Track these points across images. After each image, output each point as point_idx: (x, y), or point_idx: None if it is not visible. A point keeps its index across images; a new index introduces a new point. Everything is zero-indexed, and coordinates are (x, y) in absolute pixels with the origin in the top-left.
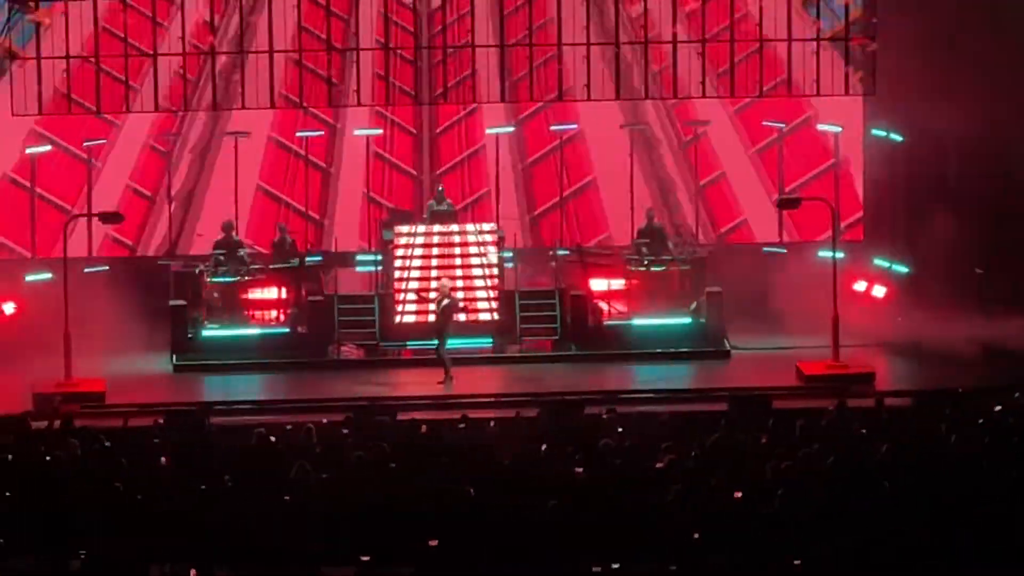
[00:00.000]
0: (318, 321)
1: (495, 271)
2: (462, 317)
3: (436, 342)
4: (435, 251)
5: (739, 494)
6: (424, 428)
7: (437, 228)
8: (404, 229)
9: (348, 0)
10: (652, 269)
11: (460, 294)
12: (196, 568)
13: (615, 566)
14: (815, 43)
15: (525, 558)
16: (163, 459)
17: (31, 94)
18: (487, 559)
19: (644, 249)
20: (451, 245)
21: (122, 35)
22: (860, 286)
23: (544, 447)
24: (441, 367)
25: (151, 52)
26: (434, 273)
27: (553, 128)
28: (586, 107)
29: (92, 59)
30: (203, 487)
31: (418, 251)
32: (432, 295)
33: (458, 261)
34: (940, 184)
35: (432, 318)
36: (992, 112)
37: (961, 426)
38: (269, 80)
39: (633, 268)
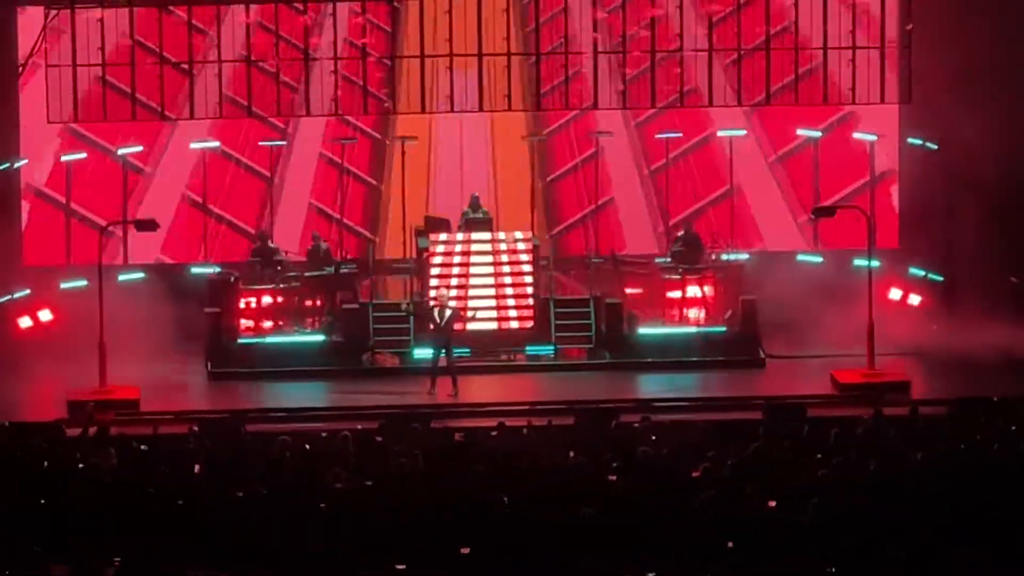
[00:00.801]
0: (353, 329)
1: (529, 279)
2: (487, 325)
3: (442, 352)
4: (470, 259)
5: (773, 503)
6: (458, 436)
7: (472, 236)
8: (439, 237)
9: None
10: (687, 277)
11: (493, 302)
12: (230, 575)
13: (650, 574)
14: (851, 51)
15: (558, 566)
16: (197, 466)
17: (66, 100)
18: (520, 566)
19: (680, 257)
20: (486, 253)
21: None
22: (895, 294)
23: (578, 455)
24: (448, 376)
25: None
26: (466, 281)
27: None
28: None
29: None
30: (238, 494)
31: (454, 259)
32: (431, 304)
33: (492, 269)
34: (975, 193)
35: (431, 327)
36: None
37: (996, 434)
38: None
39: (668, 276)
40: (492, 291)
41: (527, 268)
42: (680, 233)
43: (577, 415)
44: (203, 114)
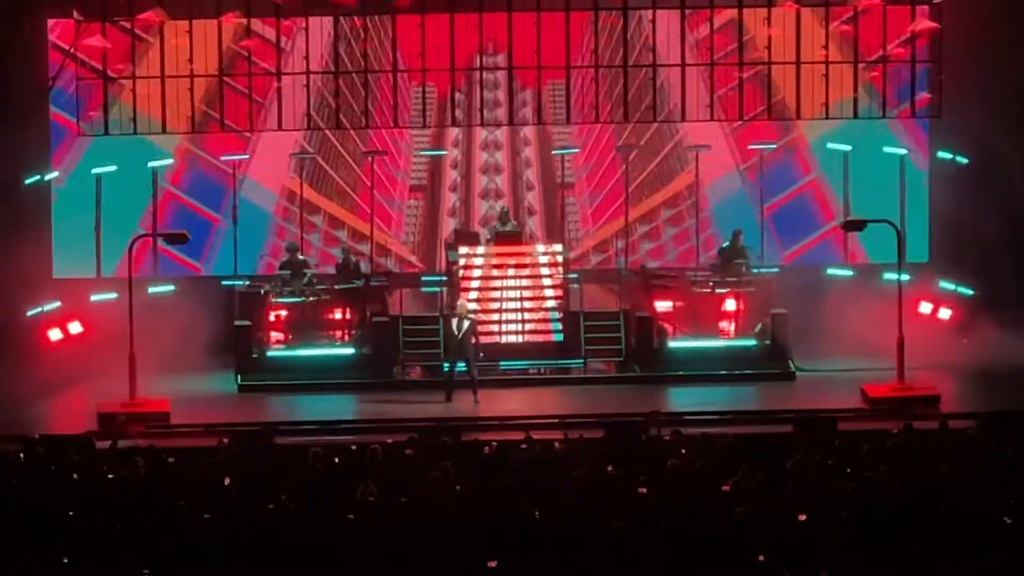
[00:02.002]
0: (383, 342)
1: (559, 292)
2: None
3: (459, 364)
4: (499, 272)
5: (803, 516)
6: (487, 449)
7: (501, 249)
8: (469, 250)
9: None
10: (716, 291)
11: (521, 315)
12: None
13: None
14: (881, 65)
15: None
16: (227, 479)
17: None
18: None
19: (715, 270)
20: (515, 266)
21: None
22: (925, 308)
23: (608, 468)
24: (471, 388)
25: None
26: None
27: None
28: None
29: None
30: (268, 507)
31: (483, 272)
32: (454, 321)
33: (522, 282)
34: (1005, 206)
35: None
36: None
37: None
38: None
39: (698, 290)
40: (521, 304)
41: (556, 281)
42: (724, 244)
43: (607, 428)
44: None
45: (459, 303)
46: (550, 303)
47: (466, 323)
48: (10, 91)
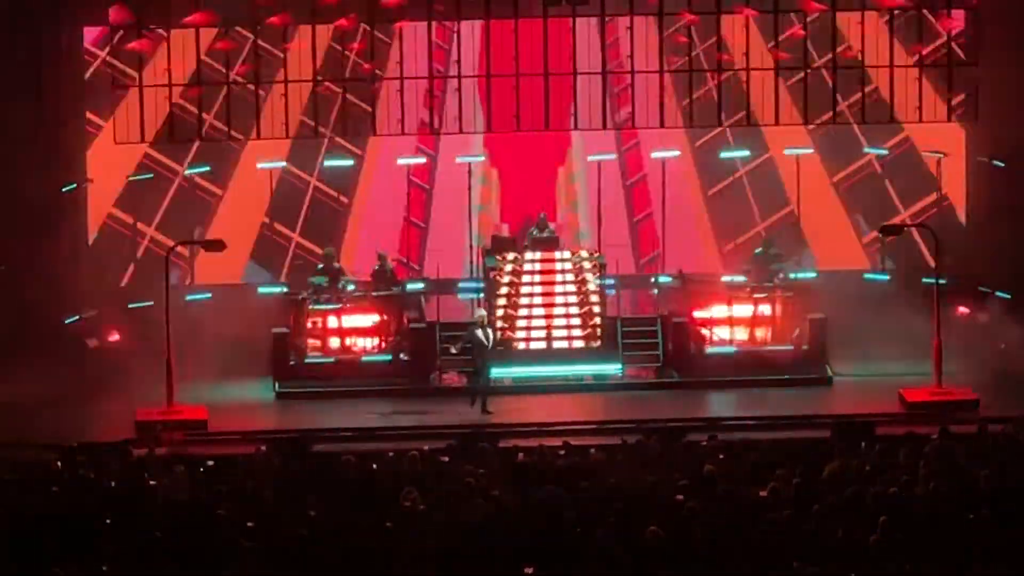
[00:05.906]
0: (420, 348)
1: (596, 298)
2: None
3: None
4: (537, 278)
5: (841, 521)
6: (521, 456)
7: (539, 255)
8: (507, 256)
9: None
10: (755, 296)
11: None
12: None
13: None
14: (917, 69)
15: None
16: (266, 486)
17: (136, 122)
18: None
19: (749, 275)
20: (553, 272)
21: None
22: (963, 312)
23: (646, 474)
24: (475, 397)
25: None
26: (537, 300)
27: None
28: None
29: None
30: (306, 514)
31: (520, 278)
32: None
33: (559, 288)
34: None
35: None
36: None
37: None
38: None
39: (735, 295)
40: (559, 310)
41: (594, 287)
42: (757, 250)
43: (645, 434)
44: (269, 134)
45: (478, 313)
46: (587, 308)
47: (490, 330)
48: (46, 99)
